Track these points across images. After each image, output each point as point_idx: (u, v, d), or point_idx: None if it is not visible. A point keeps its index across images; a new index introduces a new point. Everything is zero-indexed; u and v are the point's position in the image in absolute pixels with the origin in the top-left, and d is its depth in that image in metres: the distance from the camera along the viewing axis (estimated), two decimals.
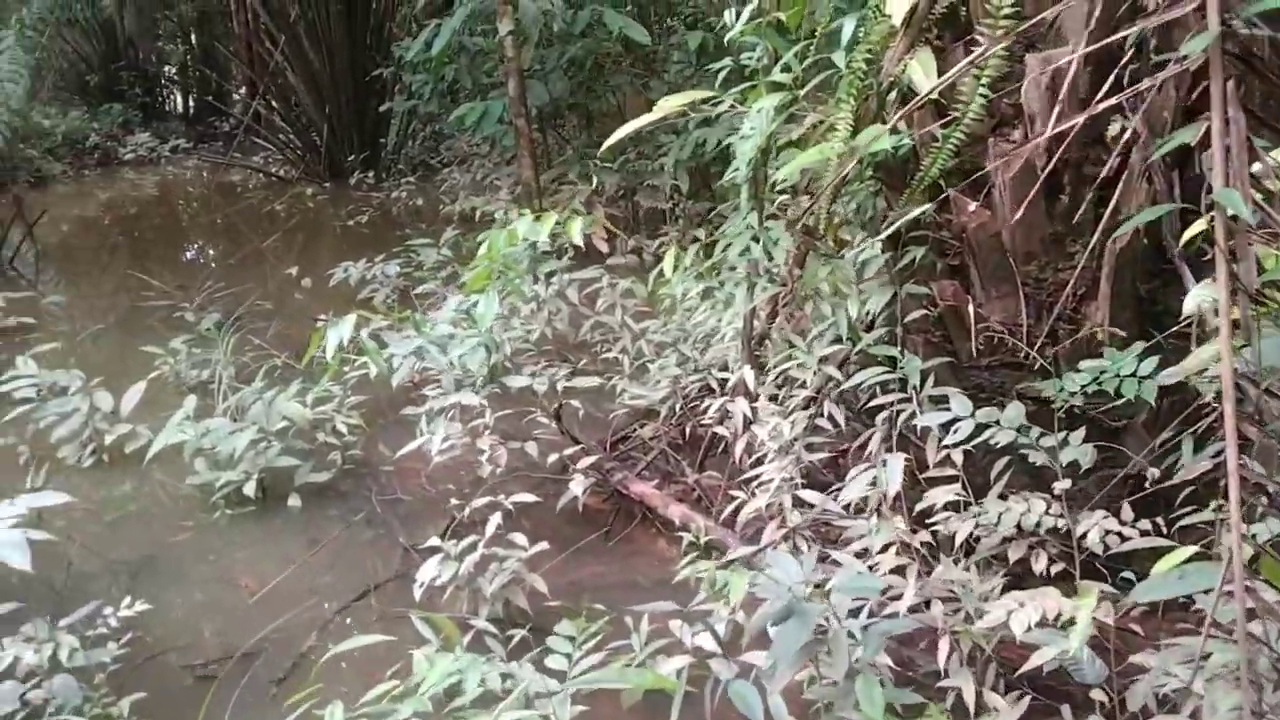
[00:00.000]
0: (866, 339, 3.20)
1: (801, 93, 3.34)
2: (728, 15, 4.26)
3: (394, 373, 3.90)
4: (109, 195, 13.08)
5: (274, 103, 12.86)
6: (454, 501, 3.87)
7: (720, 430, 4.00)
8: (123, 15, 16.28)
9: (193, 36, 17.49)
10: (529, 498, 3.46)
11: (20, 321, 7.03)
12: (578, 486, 3.75)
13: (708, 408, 4.12)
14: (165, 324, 6.85)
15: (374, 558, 3.87)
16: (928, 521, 2.98)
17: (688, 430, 4.49)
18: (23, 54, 14.23)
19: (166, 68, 17.94)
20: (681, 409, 4.46)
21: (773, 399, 3.88)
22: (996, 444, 2.82)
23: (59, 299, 7.52)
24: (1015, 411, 2.82)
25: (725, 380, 4.46)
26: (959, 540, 2.92)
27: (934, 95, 3.00)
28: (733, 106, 3.68)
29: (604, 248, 6.29)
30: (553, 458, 4.20)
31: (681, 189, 7.14)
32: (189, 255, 9.39)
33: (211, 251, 9.14)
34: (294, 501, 4.25)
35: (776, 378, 3.87)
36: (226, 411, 4.69)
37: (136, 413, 4.70)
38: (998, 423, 2.81)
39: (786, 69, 3.40)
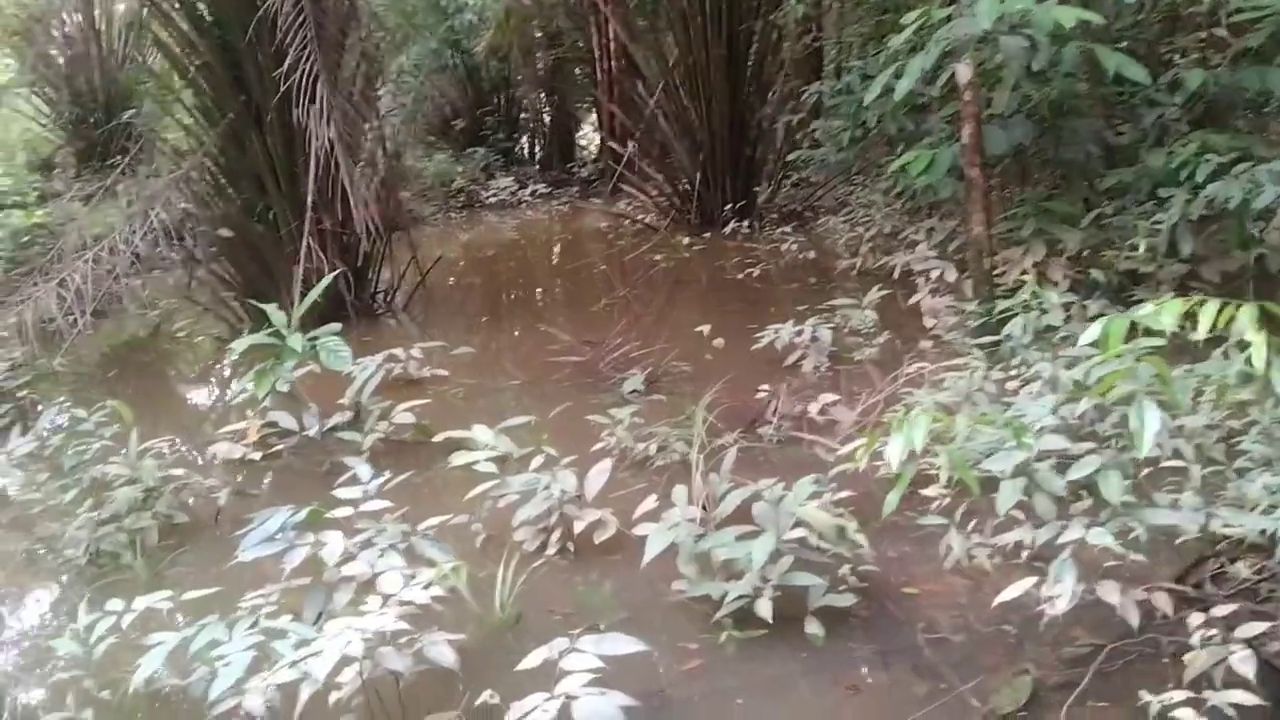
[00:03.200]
0: None
1: None
2: None
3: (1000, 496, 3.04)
4: (468, 237, 13.28)
5: (644, 149, 12.60)
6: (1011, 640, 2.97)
7: None
8: (488, 63, 16.77)
9: (552, 84, 17.82)
10: (1248, 698, 2.48)
11: (434, 374, 6.80)
12: (1244, 662, 2.72)
13: None
14: (577, 385, 6.41)
15: None
16: None
17: None
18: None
19: (523, 115, 18.37)
20: None
21: None
22: None
23: (468, 349, 7.20)
24: None
25: None
26: None
27: None
28: None
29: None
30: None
31: (1181, 251, 5.95)
32: (581, 304, 9.06)
33: (605, 302, 8.75)
34: (813, 629, 3.44)
35: None
36: (701, 504, 4.01)
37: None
38: None
39: None
